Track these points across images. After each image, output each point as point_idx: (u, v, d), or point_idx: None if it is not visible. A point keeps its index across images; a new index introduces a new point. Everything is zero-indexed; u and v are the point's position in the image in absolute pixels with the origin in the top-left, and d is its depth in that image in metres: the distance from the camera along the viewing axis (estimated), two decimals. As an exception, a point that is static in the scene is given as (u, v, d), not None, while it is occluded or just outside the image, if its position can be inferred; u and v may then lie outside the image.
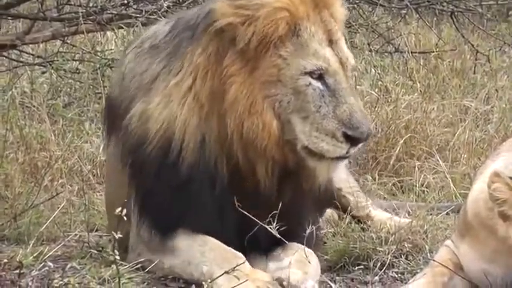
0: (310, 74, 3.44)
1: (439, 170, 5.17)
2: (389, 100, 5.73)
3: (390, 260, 4.01)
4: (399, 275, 4.02)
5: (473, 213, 3.66)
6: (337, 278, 4.00)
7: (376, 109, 5.59)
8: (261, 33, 3.38)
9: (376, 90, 5.97)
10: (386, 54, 7.24)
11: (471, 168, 5.11)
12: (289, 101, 3.46)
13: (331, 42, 3.52)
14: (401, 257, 4.10)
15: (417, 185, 5.05)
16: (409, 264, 4.06)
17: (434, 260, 3.74)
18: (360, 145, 3.61)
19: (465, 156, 5.36)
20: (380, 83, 6.17)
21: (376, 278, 3.93)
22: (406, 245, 4.09)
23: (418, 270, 3.88)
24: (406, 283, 3.77)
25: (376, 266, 4.00)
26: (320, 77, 3.46)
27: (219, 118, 3.43)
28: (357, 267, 4.05)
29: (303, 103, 3.46)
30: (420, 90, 6.05)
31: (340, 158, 3.55)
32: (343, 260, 4.10)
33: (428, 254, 4.02)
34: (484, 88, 6.54)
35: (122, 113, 3.61)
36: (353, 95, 3.54)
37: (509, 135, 5.54)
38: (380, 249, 4.07)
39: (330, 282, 3.84)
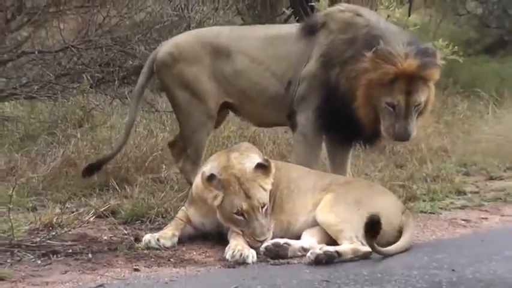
0: (388, 103, 5.98)
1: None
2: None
3: (154, 217, 5.94)
4: (159, 226, 5.76)
5: (195, 192, 5.48)
6: (127, 227, 5.78)
7: None
8: (378, 76, 5.94)
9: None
10: None
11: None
12: (380, 108, 6.01)
13: (408, 93, 5.94)
14: (160, 216, 5.94)
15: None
16: (164, 219, 5.88)
17: (177, 217, 5.53)
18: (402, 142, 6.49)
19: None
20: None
21: (148, 227, 5.77)
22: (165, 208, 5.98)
23: (168, 223, 5.57)
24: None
25: (148, 222, 5.90)
26: (394, 106, 5.96)
27: (358, 91, 6.10)
28: (137, 221, 5.95)
29: (382, 113, 6.01)
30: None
31: (391, 140, 6.30)
32: (131, 218, 5.98)
33: (174, 215, 5.62)
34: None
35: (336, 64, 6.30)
36: (408, 118, 5.95)
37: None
38: (149, 211, 6.00)
39: (124, 229, 5.62)
